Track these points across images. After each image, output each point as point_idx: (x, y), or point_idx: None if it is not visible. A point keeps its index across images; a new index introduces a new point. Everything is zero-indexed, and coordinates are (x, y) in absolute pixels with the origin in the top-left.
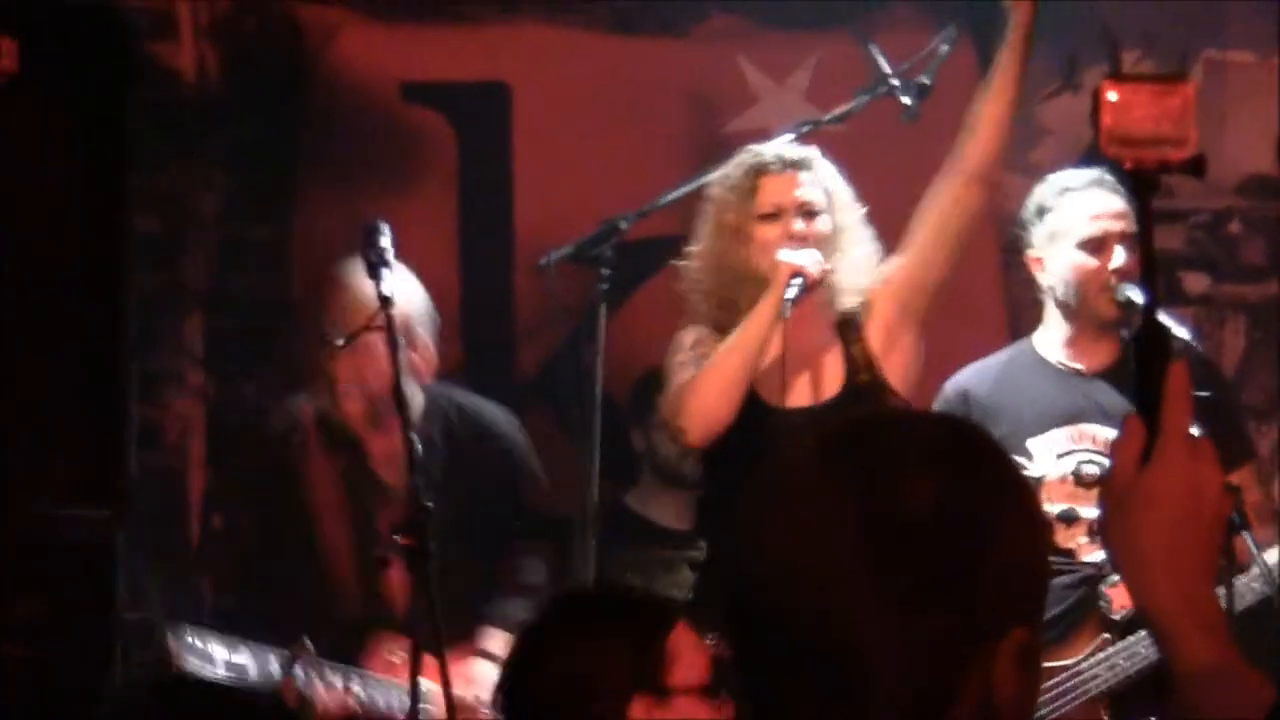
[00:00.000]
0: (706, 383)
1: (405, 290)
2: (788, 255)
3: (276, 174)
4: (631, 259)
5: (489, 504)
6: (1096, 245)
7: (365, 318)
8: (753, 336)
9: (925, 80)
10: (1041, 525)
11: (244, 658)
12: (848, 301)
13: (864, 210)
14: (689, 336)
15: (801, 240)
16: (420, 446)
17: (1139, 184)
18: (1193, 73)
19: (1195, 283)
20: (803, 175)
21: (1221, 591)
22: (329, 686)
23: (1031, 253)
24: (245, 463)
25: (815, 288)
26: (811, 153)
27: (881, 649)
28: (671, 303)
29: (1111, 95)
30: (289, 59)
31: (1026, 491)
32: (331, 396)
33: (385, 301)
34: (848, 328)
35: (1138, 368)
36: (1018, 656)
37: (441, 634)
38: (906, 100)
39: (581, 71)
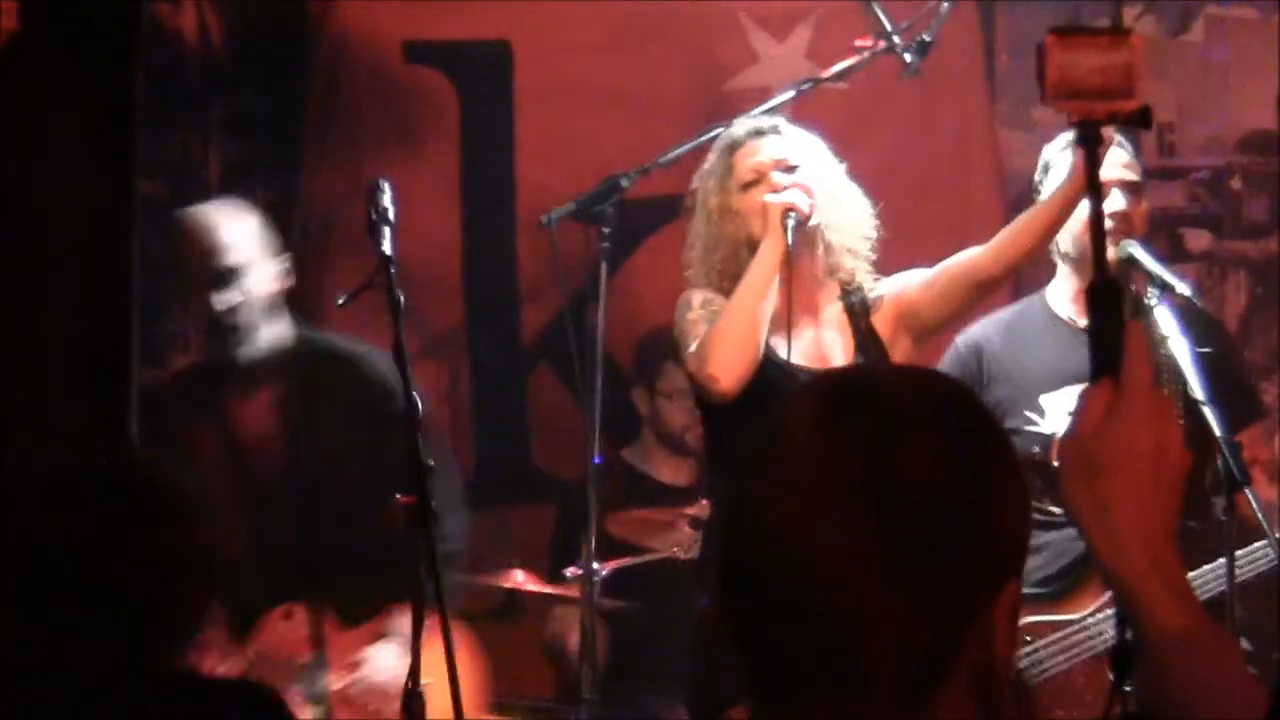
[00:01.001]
0: (728, 328)
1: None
2: (773, 196)
3: (279, 136)
4: (633, 217)
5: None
6: (1102, 194)
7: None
8: (763, 276)
9: (926, 37)
10: (1026, 480)
11: None
12: (849, 262)
13: (844, 165)
14: (696, 296)
15: (782, 191)
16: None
17: (1085, 136)
18: (1194, 28)
19: (1197, 240)
20: (772, 139)
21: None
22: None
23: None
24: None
25: (809, 226)
26: (778, 120)
27: (881, 610)
28: (673, 261)
29: (1056, 50)
30: (291, 20)
31: (1011, 447)
32: None
33: (386, 260)
34: (854, 301)
35: (1092, 325)
36: (1011, 609)
37: (445, 595)
38: (908, 57)
39: (582, 30)
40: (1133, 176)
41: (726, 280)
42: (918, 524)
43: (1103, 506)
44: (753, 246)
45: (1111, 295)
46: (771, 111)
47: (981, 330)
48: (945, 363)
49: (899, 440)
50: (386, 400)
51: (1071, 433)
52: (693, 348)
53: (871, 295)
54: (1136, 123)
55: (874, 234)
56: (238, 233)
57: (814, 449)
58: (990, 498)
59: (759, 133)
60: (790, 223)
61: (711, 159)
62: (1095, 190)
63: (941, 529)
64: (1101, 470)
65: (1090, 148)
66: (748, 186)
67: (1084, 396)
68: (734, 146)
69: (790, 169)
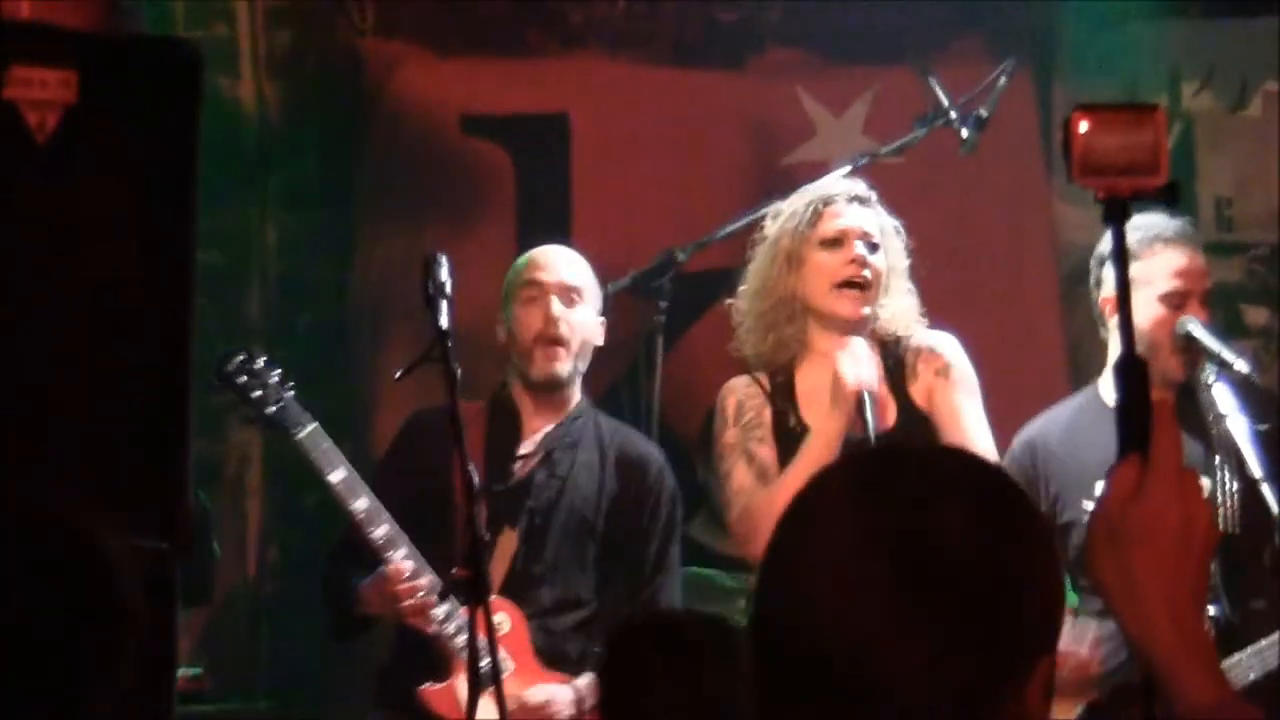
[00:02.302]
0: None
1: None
2: (851, 376)
3: (336, 207)
4: (690, 291)
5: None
6: (1177, 301)
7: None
8: (820, 457)
9: (983, 112)
10: (1059, 560)
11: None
12: (892, 331)
13: (909, 261)
14: (732, 401)
15: (861, 266)
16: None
17: (1112, 212)
18: (1252, 104)
19: (1255, 315)
20: (862, 209)
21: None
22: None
23: (1106, 293)
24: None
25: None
26: (872, 193)
27: (912, 686)
28: (731, 334)
29: (1083, 125)
30: (349, 92)
31: (1045, 527)
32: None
33: (442, 334)
34: (895, 367)
35: (1120, 401)
36: (1045, 685)
37: (499, 670)
38: (964, 132)
39: (640, 103)
40: (1209, 284)
41: (767, 341)
42: (949, 597)
43: (1130, 580)
44: (804, 307)
45: (1139, 372)
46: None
47: (1038, 429)
48: (1003, 464)
49: (931, 513)
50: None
51: (1100, 508)
52: (734, 509)
53: (908, 353)
54: (1162, 199)
55: (920, 321)
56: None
57: (845, 519)
58: (1023, 574)
59: (854, 198)
60: (866, 401)
61: (797, 204)
62: (1123, 267)
63: (973, 603)
64: (1129, 545)
65: (1117, 224)
66: (827, 245)
67: (1112, 472)
68: (826, 200)
69: (873, 245)
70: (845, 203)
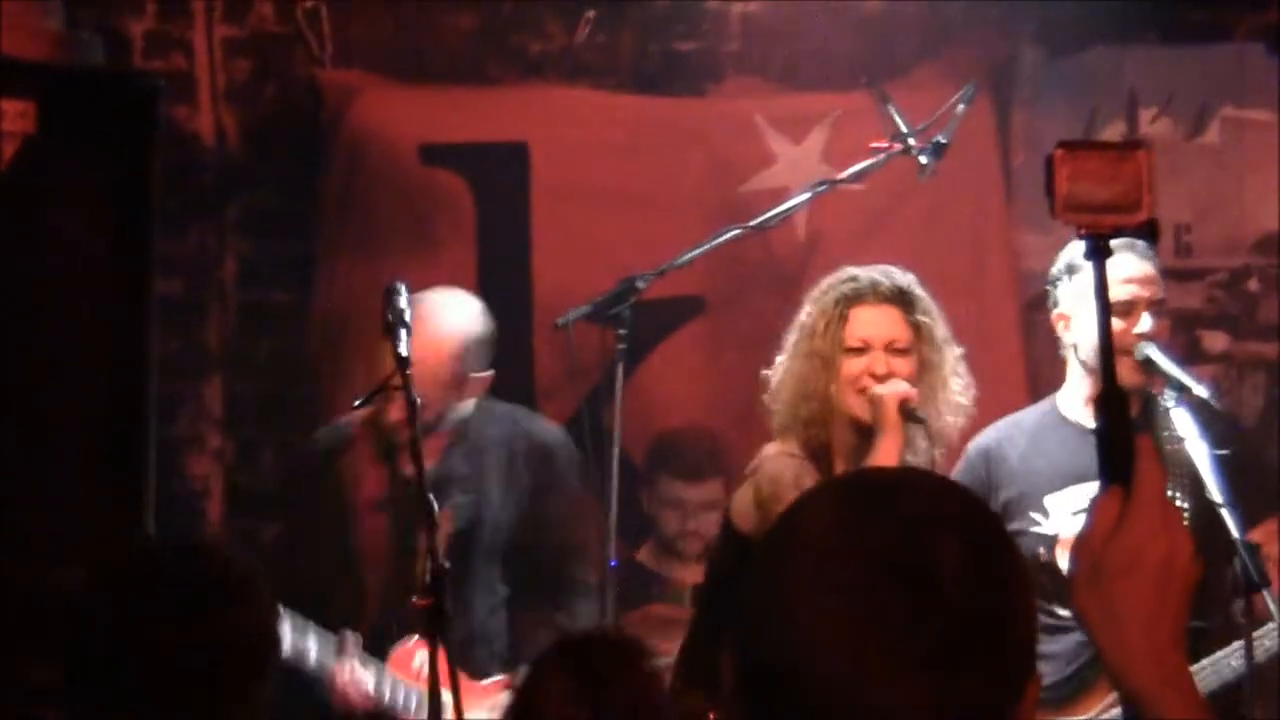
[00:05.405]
0: None
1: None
2: (883, 389)
3: (296, 237)
4: (649, 318)
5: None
6: (1125, 309)
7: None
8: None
9: (942, 139)
10: (1032, 584)
11: (309, 642)
12: (937, 443)
13: (959, 351)
14: (788, 471)
15: (884, 379)
16: (436, 504)
17: (1094, 249)
18: (1210, 130)
19: (1214, 341)
20: (894, 310)
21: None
22: (359, 681)
23: (1058, 311)
24: (291, 465)
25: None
26: (908, 283)
27: (912, 708)
28: (689, 362)
29: (1066, 163)
30: (308, 122)
31: (1020, 551)
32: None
33: (402, 361)
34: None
35: (1104, 434)
36: (1032, 710)
37: (459, 695)
38: (923, 159)
39: (599, 132)
40: (1159, 294)
41: (806, 428)
42: (945, 621)
43: (1112, 612)
44: (837, 410)
45: (1121, 404)
46: (789, 212)
47: (992, 435)
48: (956, 470)
49: (930, 534)
50: None
51: (1082, 539)
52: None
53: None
54: (1143, 236)
55: (968, 414)
56: None
57: (839, 541)
58: (1013, 598)
59: (885, 298)
60: (911, 410)
61: (826, 298)
62: (1104, 302)
63: (974, 625)
64: (1111, 577)
65: (1099, 261)
66: (851, 351)
67: (1094, 504)
68: (854, 298)
69: (898, 351)
70: (874, 304)
